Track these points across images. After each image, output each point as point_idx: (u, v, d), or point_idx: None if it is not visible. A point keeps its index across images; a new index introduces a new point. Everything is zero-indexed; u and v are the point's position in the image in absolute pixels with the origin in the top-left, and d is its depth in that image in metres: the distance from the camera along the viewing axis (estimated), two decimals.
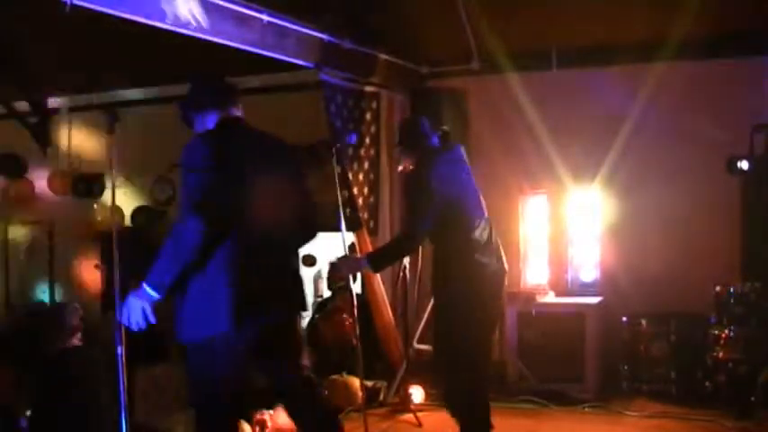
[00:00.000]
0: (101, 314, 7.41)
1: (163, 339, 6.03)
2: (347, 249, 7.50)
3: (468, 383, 4.60)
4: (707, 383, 6.13)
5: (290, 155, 3.95)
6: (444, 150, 4.73)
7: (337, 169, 6.64)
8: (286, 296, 3.78)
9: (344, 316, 6.67)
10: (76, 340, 4.82)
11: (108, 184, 7.93)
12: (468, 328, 4.54)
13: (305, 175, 3.97)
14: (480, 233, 4.56)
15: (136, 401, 5.59)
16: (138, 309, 3.46)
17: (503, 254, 4.71)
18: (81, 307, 5.04)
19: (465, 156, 4.81)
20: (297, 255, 4.12)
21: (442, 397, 4.84)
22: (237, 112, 3.92)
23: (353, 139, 6.25)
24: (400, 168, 5.04)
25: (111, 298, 4.22)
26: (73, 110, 9.11)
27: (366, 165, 6.84)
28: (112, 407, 4.47)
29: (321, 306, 7.28)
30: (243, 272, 3.52)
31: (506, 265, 4.70)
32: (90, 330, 6.57)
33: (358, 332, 5.46)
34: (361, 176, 6.65)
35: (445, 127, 5.27)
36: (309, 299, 8.00)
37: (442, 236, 4.57)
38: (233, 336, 3.52)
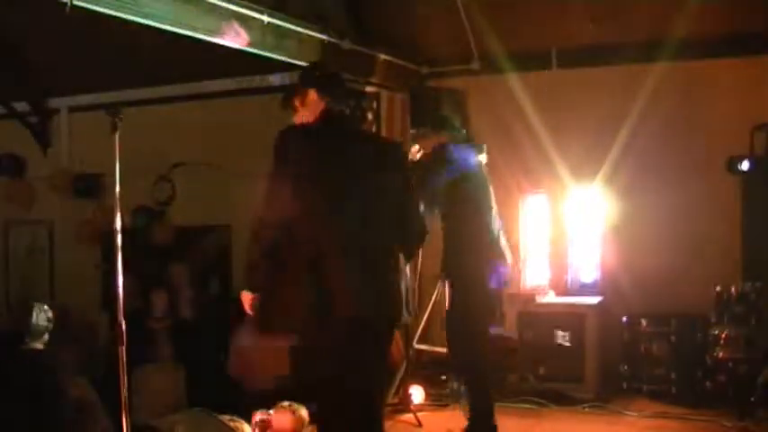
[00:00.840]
0: (101, 314, 7.42)
1: (163, 339, 6.05)
2: None
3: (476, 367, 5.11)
4: (707, 383, 6.12)
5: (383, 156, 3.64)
6: (455, 143, 5.15)
7: None
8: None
9: None
10: (39, 344, 4.47)
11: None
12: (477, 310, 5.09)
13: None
14: (491, 224, 5.04)
15: (135, 401, 5.59)
16: None
17: (507, 251, 5.17)
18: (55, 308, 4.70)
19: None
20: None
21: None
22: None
23: None
24: (415, 150, 5.31)
25: (111, 298, 4.20)
26: (73, 110, 9.12)
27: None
28: (82, 413, 4.34)
29: None
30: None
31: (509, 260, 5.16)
32: (90, 330, 6.61)
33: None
34: None
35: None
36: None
37: (455, 222, 5.01)
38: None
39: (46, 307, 4.56)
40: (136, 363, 5.67)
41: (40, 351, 4.44)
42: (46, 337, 4.48)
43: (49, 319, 4.49)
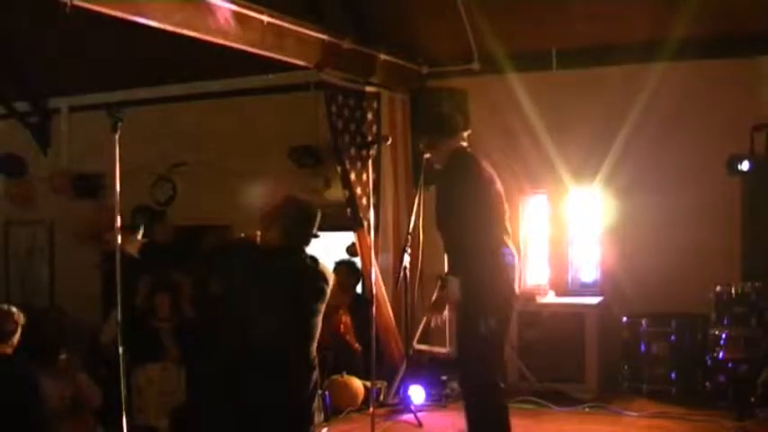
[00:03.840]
0: (100, 314, 7.41)
1: (163, 339, 6.04)
2: (347, 249, 7.55)
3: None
4: (707, 383, 6.13)
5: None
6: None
7: (338, 169, 6.68)
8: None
9: (342, 316, 6.69)
10: (9, 348, 4.34)
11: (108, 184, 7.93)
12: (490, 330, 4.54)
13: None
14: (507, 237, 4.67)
15: (134, 400, 5.58)
16: None
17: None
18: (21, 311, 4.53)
19: None
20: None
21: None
22: None
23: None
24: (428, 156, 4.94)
25: (111, 298, 4.17)
26: (73, 110, 9.12)
27: (368, 165, 6.82)
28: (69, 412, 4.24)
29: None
30: None
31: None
32: (90, 330, 6.60)
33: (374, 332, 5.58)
34: (363, 176, 6.65)
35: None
36: None
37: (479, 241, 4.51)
38: None
39: (14, 309, 4.43)
40: (141, 362, 5.68)
41: (9, 356, 4.32)
42: (14, 340, 4.35)
43: (15, 322, 4.35)
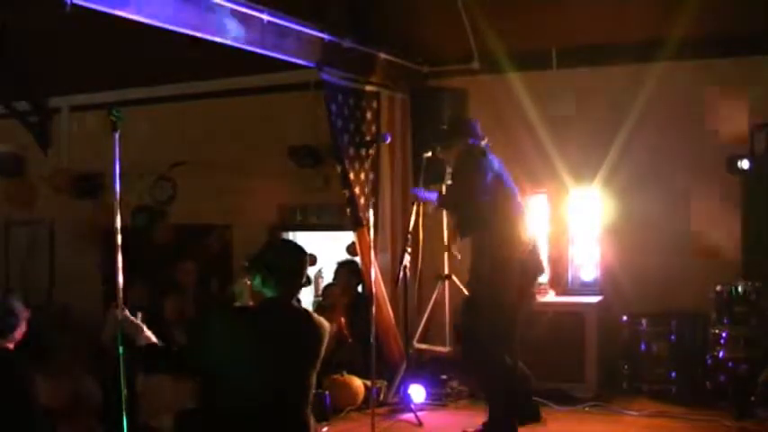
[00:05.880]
0: (101, 314, 7.41)
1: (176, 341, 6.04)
2: (347, 249, 7.56)
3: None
4: (707, 383, 6.13)
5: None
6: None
7: (338, 169, 6.67)
8: None
9: (340, 317, 6.70)
10: (9, 343, 4.18)
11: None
12: (498, 317, 5.15)
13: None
14: (521, 229, 5.26)
15: (143, 402, 5.56)
16: None
17: (539, 252, 5.48)
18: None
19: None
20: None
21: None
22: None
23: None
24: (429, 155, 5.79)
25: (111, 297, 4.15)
26: (73, 109, 9.13)
27: (367, 164, 6.83)
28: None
29: (321, 305, 7.28)
30: None
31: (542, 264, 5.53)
32: (91, 330, 6.60)
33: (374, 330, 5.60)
34: (362, 176, 6.65)
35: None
36: (309, 298, 8.02)
37: (487, 228, 5.18)
38: None
39: (17, 303, 4.28)
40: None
41: (9, 351, 4.18)
42: (16, 335, 4.21)
43: (17, 317, 4.20)
